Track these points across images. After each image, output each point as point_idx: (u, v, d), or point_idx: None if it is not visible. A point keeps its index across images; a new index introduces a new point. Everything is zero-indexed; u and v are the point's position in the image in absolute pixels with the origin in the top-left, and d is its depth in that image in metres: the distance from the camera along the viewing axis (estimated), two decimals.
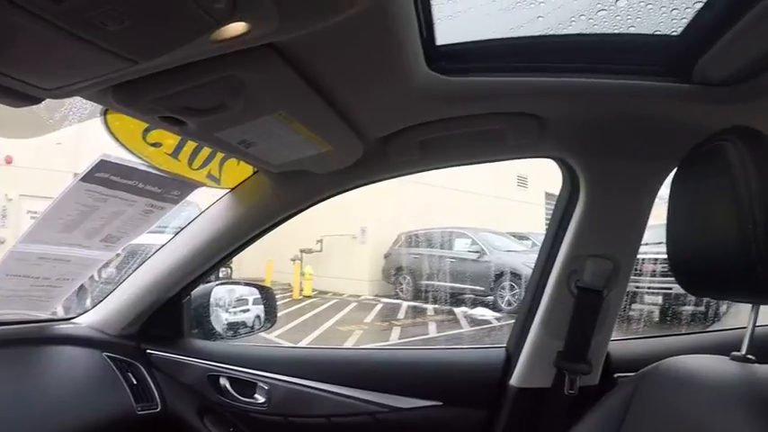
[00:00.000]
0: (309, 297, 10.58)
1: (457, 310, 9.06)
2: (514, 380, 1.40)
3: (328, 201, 1.35)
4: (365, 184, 1.30)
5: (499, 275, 9.33)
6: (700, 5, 0.86)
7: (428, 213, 10.88)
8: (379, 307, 9.69)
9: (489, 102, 1.06)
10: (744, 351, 0.94)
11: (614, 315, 1.37)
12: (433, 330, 7.68)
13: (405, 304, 9.88)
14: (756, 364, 0.91)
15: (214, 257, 1.36)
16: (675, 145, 1.00)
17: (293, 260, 11.14)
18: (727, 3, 0.82)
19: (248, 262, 10.28)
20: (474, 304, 9.19)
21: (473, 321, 8.22)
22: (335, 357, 1.50)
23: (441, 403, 1.39)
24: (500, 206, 12.23)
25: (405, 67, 0.86)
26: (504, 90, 1.02)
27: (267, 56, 0.72)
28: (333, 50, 0.76)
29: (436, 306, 9.43)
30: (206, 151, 1.19)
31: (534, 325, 1.39)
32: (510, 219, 11.82)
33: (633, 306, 7.47)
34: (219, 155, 1.21)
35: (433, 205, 11.08)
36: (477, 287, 9.52)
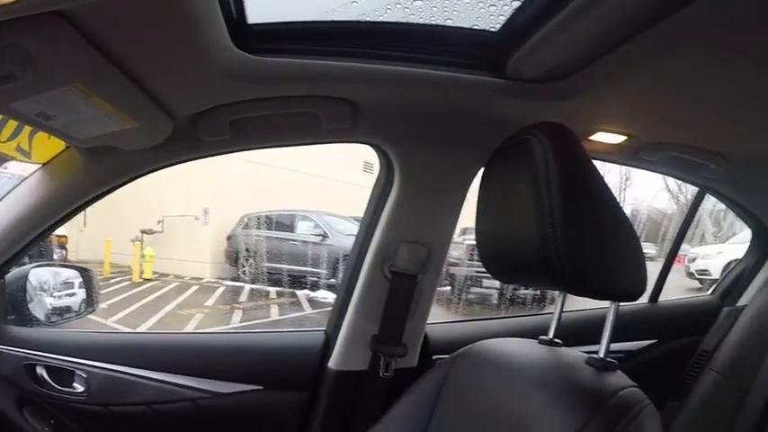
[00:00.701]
0: (150, 280, 9.96)
1: (299, 292, 9.05)
2: (333, 363, 1.42)
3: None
4: (177, 163, 1.26)
5: (341, 258, 9.46)
6: (517, 4, 0.90)
7: (273, 196, 10.71)
8: (221, 290, 9.39)
9: (301, 84, 1.06)
10: (551, 335, 1.03)
11: (429, 299, 1.43)
12: (275, 313, 7.62)
13: (247, 287, 9.67)
14: (562, 348, 1.01)
15: (24, 238, 1.24)
16: (489, 138, 1.04)
17: (133, 241, 10.40)
18: (543, 2, 0.86)
19: (87, 243, 9.41)
20: (316, 287, 9.24)
21: (315, 304, 8.28)
22: (156, 342, 1.44)
23: (261, 387, 1.38)
24: (346, 191, 12.39)
25: (209, 44, 0.84)
26: (316, 73, 1.02)
27: (56, 24, 0.67)
28: (132, 23, 0.73)
29: (279, 289, 9.35)
30: (13, 123, 1.07)
31: (351, 308, 1.43)
32: (355, 203, 11.95)
33: (473, 290, 8.01)
34: (28, 127, 1.11)
35: (279, 188, 10.93)
36: (320, 270, 9.57)
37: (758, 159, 1.63)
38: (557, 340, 1.03)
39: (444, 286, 8.02)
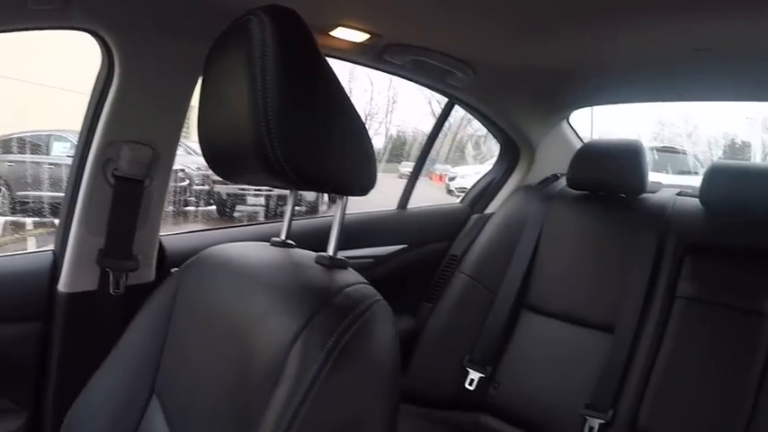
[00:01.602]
0: None
1: (58, 221, 8.07)
2: (62, 285, 1.28)
3: None
4: None
5: None
6: None
7: (28, 114, 9.22)
8: None
9: None
10: (283, 236, 0.98)
11: (160, 207, 1.33)
12: (33, 245, 6.70)
13: (2, 219, 8.36)
14: (294, 249, 0.96)
15: None
16: (216, 26, 0.93)
17: None
18: None
19: None
20: None
21: None
22: None
23: None
24: None
25: None
26: None
27: None
28: None
29: (37, 219, 8.23)
30: None
31: (74, 221, 1.28)
32: None
33: (238, 208, 7.87)
34: None
35: (34, 106, 9.43)
36: None
37: (504, 70, 1.73)
38: (289, 241, 0.98)
39: (210, 206, 7.82)
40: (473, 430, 1.91)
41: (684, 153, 7.32)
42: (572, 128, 2.36)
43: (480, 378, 1.90)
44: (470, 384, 1.90)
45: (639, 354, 1.72)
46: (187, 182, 5.76)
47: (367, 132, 0.83)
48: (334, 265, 0.85)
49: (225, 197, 7.46)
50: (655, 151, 6.37)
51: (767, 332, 1.60)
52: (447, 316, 1.97)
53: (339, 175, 0.80)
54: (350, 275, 0.84)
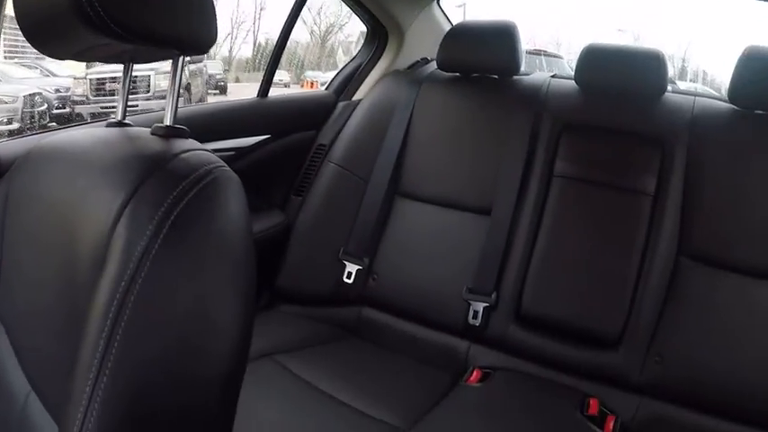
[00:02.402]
0: None
1: None
2: None
3: None
4: None
5: None
6: None
7: None
8: None
9: None
10: (119, 117, 0.85)
11: None
12: None
13: None
14: (132, 127, 0.83)
15: None
16: None
17: None
18: None
19: None
20: None
21: None
22: None
23: None
24: None
25: None
26: None
27: None
28: None
29: None
30: None
31: None
32: None
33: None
34: None
35: None
36: None
37: None
38: (126, 121, 0.84)
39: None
40: (356, 324, 1.86)
41: (560, 57, 7.47)
42: (443, 11, 2.26)
43: (358, 270, 1.83)
44: (348, 278, 1.84)
45: (519, 235, 1.72)
46: (45, 106, 5.36)
47: None
48: (171, 134, 0.72)
49: (88, 118, 6.88)
50: (531, 55, 6.46)
51: (647, 210, 1.63)
52: (318, 208, 1.87)
53: (172, 29, 0.69)
54: (190, 143, 0.71)
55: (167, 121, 0.73)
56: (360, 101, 2.03)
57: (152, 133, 0.73)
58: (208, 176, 0.63)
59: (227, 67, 8.28)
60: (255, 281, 0.68)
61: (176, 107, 0.75)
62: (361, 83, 2.09)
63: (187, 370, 0.59)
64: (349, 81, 2.09)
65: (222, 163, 0.68)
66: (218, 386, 0.62)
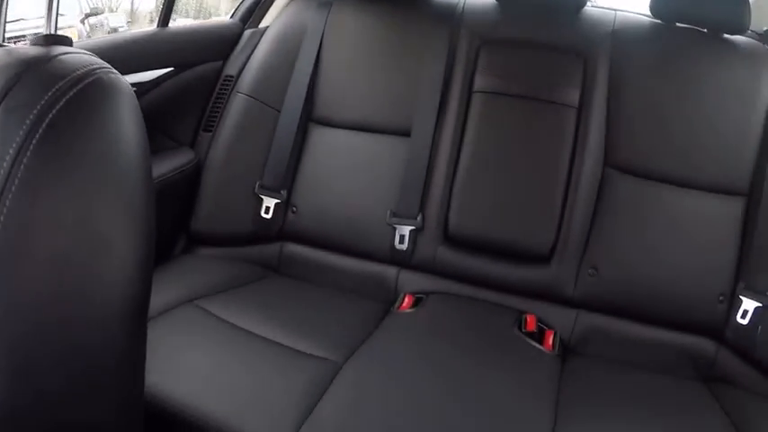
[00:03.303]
0: None
1: None
2: None
3: None
4: None
5: None
6: None
7: None
8: None
9: None
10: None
11: None
12: None
13: None
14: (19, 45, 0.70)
15: None
16: None
17: None
18: None
19: None
20: None
21: None
22: None
23: None
24: None
25: None
26: None
27: None
28: None
29: None
30: None
31: None
32: None
33: None
34: None
35: None
36: None
37: None
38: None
39: None
40: (279, 262, 1.79)
41: None
42: None
43: (276, 204, 1.75)
44: (267, 212, 1.74)
45: (441, 154, 1.67)
46: None
47: None
48: (52, 41, 0.60)
49: None
50: None
51: (571, 123, 1.61)
52: (229, 143, 1.75)
53: None
54: (72, 48, 0.59)
55: (50, 30, 0.67)
56: (267, 27, 1.89)
57: (32, 44, 0.62)
58: (89, 77, 0.53)
59: (129, 20, 7.75)
60: (153, 199, 0.59)
61: (57, 18, 0.68)
62: (268, 9, 1.95)
63: (75, 305, 0.51)
64: (255, 7, 1.95)
65: (108, 66, 0.58)
66: (117, 321, 0.55)
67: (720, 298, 1.49)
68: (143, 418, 0.69)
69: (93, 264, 0.51)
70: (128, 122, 0.57)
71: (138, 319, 0.58)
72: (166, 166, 1.62)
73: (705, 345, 1.53)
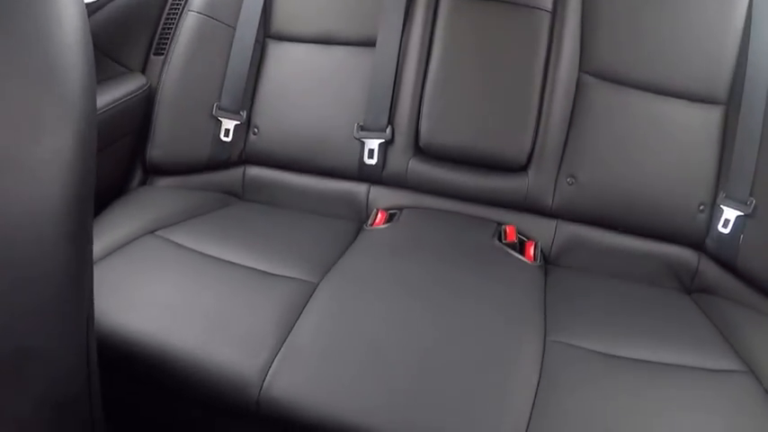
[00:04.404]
0: None
1: None
2: None
3: None
4: None
5: None
6: None
7: None
8: None
9: None
10: None
11: None
12: None
13: None
14: None
15: None
16: None
17: None
18: None
19: None
20: None
21: None
22: None
23: None
24: None
25: None
26: None
27: None
28: None
29: None
30: None
31: None
32: None
33: None
34: None
35: None
36: None
37: None
38: None
39: None
40: (243, 187, 1.70)
41: None
42: None
43: (236, 126, 1.64)
44: (226, 135, 1.64)
45: (409, 62, 1.57)
46: None
47: None
48: None
49: None
50: None
51: (545, 27, 1.52)
52: (184, 65, 1.63)
53: None
54: None
55: None
56: None
57: None
58: None
59: None
60: (95, 94, 0.50)
61: None
62: None
63: None
64: None
65: None
66: (51, 226, 0.49)
67: (701, 207, 1.43)
68: (94, 349, 0.65)
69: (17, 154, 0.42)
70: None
71: (78, 234, 0.51)
72: (116, 93, 1.51)
73: (687, 255, 1.47)
